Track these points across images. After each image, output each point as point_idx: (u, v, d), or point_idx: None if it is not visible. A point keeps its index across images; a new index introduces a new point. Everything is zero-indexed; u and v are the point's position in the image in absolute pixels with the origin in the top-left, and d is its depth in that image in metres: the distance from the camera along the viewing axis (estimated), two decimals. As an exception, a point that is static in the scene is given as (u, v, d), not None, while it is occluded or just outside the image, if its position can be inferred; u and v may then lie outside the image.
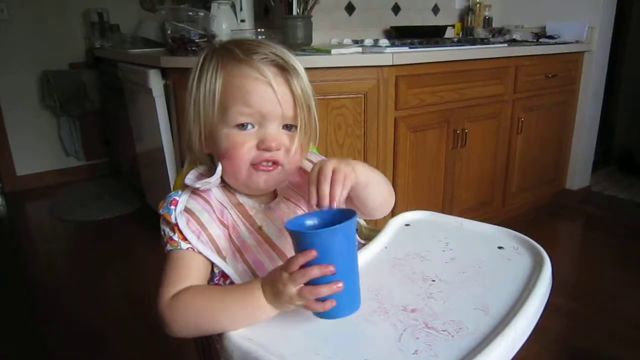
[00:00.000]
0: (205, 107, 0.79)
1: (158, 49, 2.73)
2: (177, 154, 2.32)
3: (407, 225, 1.03)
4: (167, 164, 2.36)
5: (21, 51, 3.54)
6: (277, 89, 0.76)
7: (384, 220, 1.01)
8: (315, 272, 0.64)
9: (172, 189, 0.95)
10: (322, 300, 0.65)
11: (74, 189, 3.69)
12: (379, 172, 0.85)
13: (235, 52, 0.78)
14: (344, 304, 0.67)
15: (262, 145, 0.78)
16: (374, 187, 0.82)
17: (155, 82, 2.25)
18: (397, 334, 0.66)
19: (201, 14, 2.34)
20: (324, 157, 0.95)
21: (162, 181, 2.49)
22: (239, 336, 0.67)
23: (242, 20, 2.55)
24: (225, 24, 2.47)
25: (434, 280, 0.80)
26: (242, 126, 0.78)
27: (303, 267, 0.64)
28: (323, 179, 0.71)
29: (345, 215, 0.68)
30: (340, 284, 0.64)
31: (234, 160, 0.78)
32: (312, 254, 0.63)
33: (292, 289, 0.65)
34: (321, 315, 0.67)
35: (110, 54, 3.25)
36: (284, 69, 0.78)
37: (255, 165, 0.79)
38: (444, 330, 0.66)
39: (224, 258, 0.78)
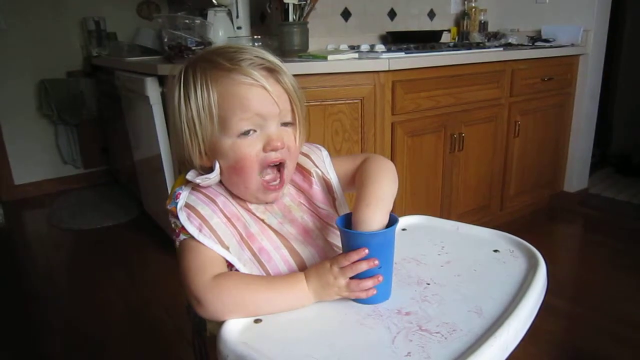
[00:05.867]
0: (202, 123, 0.80)
1: (155, 57, 2.74)
2: (175, 161, 2.32)
3: (403, 230, 1.03)
4: (165, 172, 2.36)
5: (19, 60, 3.55)
6: (271, 90, 0.79)
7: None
8: (363, 266, 0.73)
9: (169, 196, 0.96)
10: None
11: (72, 197, 3.69)
12: (392, 171, 0.89)
13: (221, 63, 0.79)
14: (382, 293, 0.76)
15: (268, 147, 0.80)
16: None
17: (153, 90, 2.25)
18: (391, 336, 0.67)
19: (198, 21, 2.35)
20: (318, 146, 0.97)
21: (159, 189, 2.50)
22: (234, 340, 0.67)
23: (239, 28, 2.56)
24: (222, 31, 2.48)
25: (428, 284, 0.80)
26: (245, 133, 0.79)
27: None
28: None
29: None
30: (381, 278, 0.74)
31: (245, 171, 0.81)
32: (365, 252, 0.73)
33: (342, 281, 0.74)
34: (361, 301, 0.76)
35: (107, 62, 3.26)
36: (272, 70, 0.81)
37: (265, 185, 0.82)
38: (437, 333, 0.67)
39: (227, 248, 0.79)
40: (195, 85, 0.79)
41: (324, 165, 0.93)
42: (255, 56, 0.80)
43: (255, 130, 0.80)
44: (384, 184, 0.82)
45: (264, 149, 0.80)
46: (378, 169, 0.86)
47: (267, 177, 0.83)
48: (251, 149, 0.80)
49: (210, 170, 0.83)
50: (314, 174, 0.92)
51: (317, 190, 0.92)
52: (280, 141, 0.80)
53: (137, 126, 2.75)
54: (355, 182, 0.87)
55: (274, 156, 0.81)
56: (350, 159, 0.94)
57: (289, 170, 0.85)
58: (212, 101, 0.79)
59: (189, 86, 0.80)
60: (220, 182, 0.86)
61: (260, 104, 0.78)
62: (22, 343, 1.97)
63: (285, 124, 0.83)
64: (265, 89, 0.78)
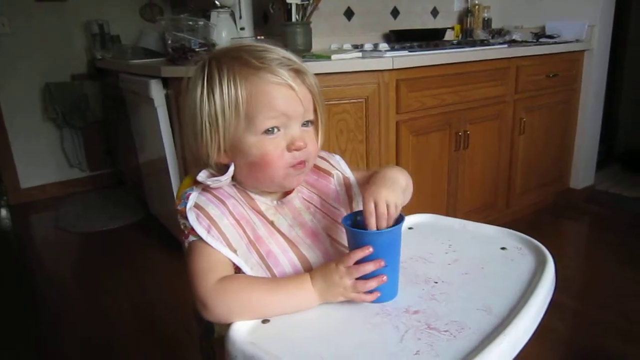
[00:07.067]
0: (225, 118, 0.80)
1: (159, 59, 2.74)
2: (180, 163, 2.33)
3: (410, 228, 1.03)
4: (170, 173, 2.36)
5: (23, 64, 3.57)
6: (298, 90, 0.80)
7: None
8: (370, 267, 0.73)
9: (175, 198, 0.96)
10: (370, 291, 0.74)
11: (78, 200, 3.70)
12: (407, 176, 0.89)
13: (250, 60, 0.80)
14: (389, 292, 0.76)
15: (292, 147, 0.81)
16: (407, 199, 0.88)
17: (157, 92, 2.26)
18: (399, 335, 0.66)
19: (201, 23, 2.35)
20: (331, 153, 0.98)
21: (165, 190, 2.50)
22: (242, 341, 0.67)
23: (242, 28, 2.56)
24: (225, 32, 2.48)
25: (436, 282, 0.80)
26: (269, 131, 0.80)
27: (357, 262, 0.74)
28: (380, 216, 0.76)
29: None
30: (385, 278, 0.74)
31: (270, 166, 0.81)
32: (369, 250, 0.73)
33: (348, 282, 0.74)
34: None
35: (111, 64, 3.26)
36: (298, 71, 0.82)
37: (292, 167, 0.83)
38: (445, 331, 0.66)
39: (234, 251, 0.79)
40: (221, 80, 0.80)
41: (340, 167, 0.96)
42: (283, 57, 0.81)
43: (279, 129, 0.81)
44: (397, 174, 0.85)
45: (288, 148, 0.81)
46: (394, 169, 0.88)
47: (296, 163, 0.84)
48: (276, 146, 0.81)
49: (224, 169, 0.84)
50: (335, 175, 0.94)
51: (333, 189, 0.92)
52: (302, 141, 0.82)
53: (141, 128, 2.75)
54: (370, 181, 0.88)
55: (298, 156, 0.82)
56: (366, 170, 0.97)
57: (309, 165, 0.87)
58: (240, 98, 0.79)
59: (214, 81, 0.80)
60: (231, 183, 0.86)
61: (287, 103, 0.80)
62: (29, 344, 1.98)
63: (306, 124, 0.85)
64: (293, 89, 0.80)
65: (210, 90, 0.80)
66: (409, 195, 0.90)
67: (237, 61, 0.80)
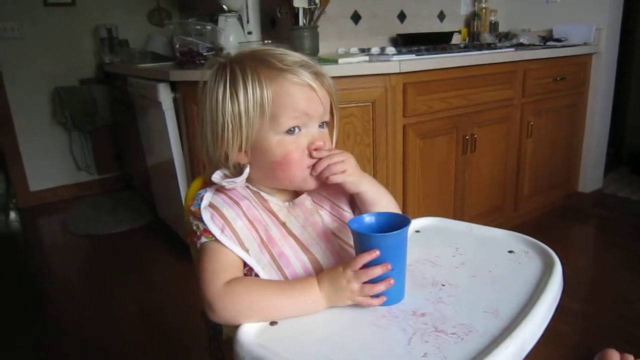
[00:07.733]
0: (249, 118, 0.81)
1: (167, 63, 2.76)
2: (188, 166, 2.34)
3: (417, 231, 1.03)
4: (178, 177, 2.37)
5: (32, 68, 3.60)
6: (319, 91, 0.84)
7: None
8: (377, 271, 0.73)
9: (183, 200, 0.96)
10: (377, 296, 0.74)
11: (86, 203, 3.72)
12: (392, 199, 0.92)
13: (274, 62, 0.82)
14: (395, 295, 0.76)
15: (312, 147, 0.84)
16: (380, 208, 0.88)
17: (165, 96, 2.27)
18: (407, 337, 0.67)
19: (209, 27, 2.36)
20: None
21: (173, 193, 2.51)
22: (250, 342, 0.68)
23: (249, 33, 2.57)
24: (233, 37, 2.49)
25: (443, 285, 0.80)
26: (291, 131, 0.83)
27: (364, 265, 0.74)
28: (326, 160, 0.84)
29: (396, 218, 0.79)
30: (392, 281, 0.74)
31: (291, 165, 0.84)
32: (376, 253, 0.73)
33: (355, 286, 0.74)
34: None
35: (119, 69, 3.28)
36: (317, 73, 0.85)
37: (310, 167, 0.85)
38: (453, 334, 0.67)
39: (247, 251, 0.80)
40: (245, 81, 0.81)
41: None
42: (302, 60, 0.85)
43: (299, 129, 0.84)
44: (381, 187, 0.90)
45: (308, 148, 0.84)
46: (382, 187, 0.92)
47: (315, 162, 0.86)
48: (297, 146, 0.83)
49: (239, 170, 0.85)
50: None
51: (341, 192, 0.93)
52: (322, 140, 0.85)
53: (149, 132, 2.77)
54: None
55: (316, 155, 0.85)
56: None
57: None
58: (266, 98, 0.81)
59: (237, 82, 0.81)
60: (244, 184, 0.87)
61: (309, 104, 0.83)
62: (37, 346, 1.99)
63: (321, 125, 0.87)
64: (314, 90, 0.83)
65: (234, 91, 0.81)
66: (387, 194, 0.92)
67: (260, 63, 0.83)
